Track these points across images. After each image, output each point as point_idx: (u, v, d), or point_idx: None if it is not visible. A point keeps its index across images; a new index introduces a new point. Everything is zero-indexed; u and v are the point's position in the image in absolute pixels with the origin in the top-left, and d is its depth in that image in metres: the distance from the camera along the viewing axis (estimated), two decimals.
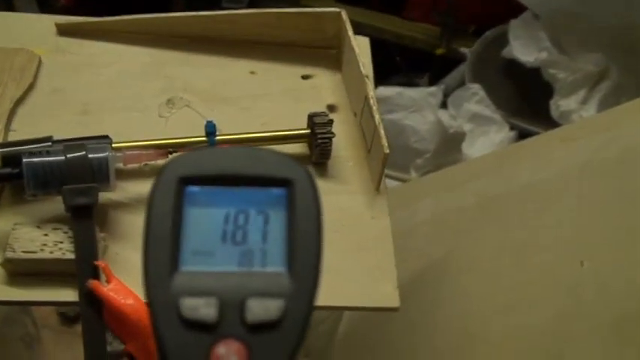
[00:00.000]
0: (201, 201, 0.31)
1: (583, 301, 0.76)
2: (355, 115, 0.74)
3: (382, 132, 0.65)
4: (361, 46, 0.77)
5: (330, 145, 0.67)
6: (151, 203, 0.31)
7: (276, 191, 0.31)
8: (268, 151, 0.32)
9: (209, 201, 0.31)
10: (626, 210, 0.81)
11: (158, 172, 0.31)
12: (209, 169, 0.31)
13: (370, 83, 0.69)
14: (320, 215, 0.31)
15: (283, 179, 0.31)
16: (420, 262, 1.00)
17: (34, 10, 1.79)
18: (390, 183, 1.36)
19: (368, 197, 0.68)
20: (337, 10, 0.77)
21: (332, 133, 0.67)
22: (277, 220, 0.31)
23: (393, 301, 0.61)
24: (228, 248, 0.31)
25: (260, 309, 0.29)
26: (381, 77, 1.73)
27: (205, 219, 0.31)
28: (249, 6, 1.73)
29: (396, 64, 1.74)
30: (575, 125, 1.03)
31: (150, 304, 0.29)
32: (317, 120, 0.67)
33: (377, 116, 0.66)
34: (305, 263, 0.30)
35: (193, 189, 0.31)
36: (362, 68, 0.70)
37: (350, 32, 0.74)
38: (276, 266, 0.30)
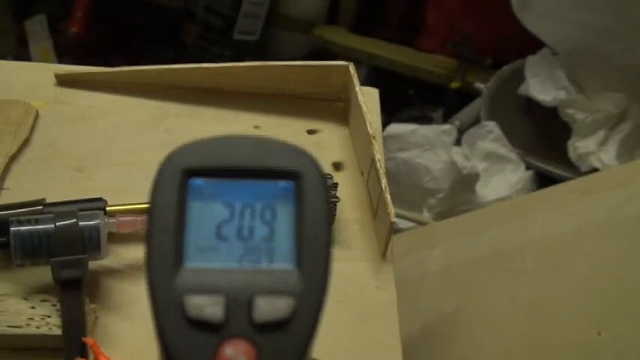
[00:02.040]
0: (205, 194, 0.30)
1: None
2: (362, 173, 0.71)
3: (389, 198, 0.62)
4: (369, 99, 0.74)
5: (335, 210, 0.64)
6: (153, 197, 0.29)
7: (284, 184, 0.30)
8: (275, 141, 0.31)
9: (214, 194, 0.30)
10: None
11: (161, 163, 0.29)
12: (214, 161, 0.30)
13: (377, 145, 0.66)
14: (329, 209, 0.29)
15: (291, 172, 0.30)
16: (431, 315, 0.96)
17: (45, 35, 1.79)
18: (402, 223, 1.33)
19: (373, 265, 0.65)
20: (345, 63, 0.74)
21: (337, 197, 0.64)
22: (285, 214, 0.30)
23: None
24: (235, 244, 0.29)
25: (268, 308, 0.28)
26: (394, 110, 1.70)
27: (210, 213, 0.30)
28: (260, 37, 1.71)
29: (409, 97, 1.71)
30: (593, 177, 0.99)
31: (153, 302, 0.28)
32: None
33: (383, 181, 0.63)
34: (314, 260, 0.29)
35: (198, 181, 0.30)
36: (369, 127, 0.67)
37: (357, 87, 0.71)
38: (284, 263, 0.29)
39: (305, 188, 0.29)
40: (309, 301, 0.28)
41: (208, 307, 0.28)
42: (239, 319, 0.28)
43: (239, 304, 0.28)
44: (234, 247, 0.29)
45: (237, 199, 0.30)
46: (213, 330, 0.27)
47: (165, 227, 0.28)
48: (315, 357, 0.31)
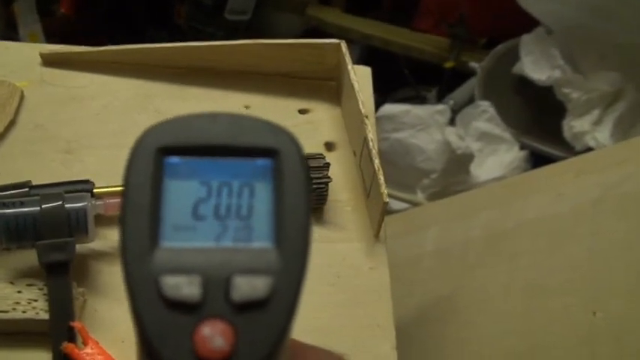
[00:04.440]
0: (181, 172, 0.29)
1: (598, 353, 0.72)
2: (355, 154, 0.69)
3: (382, 178, 0.61)
4: (362, 79, 0.73)
5: (327, 191, 0.63)
6: (127, 175, 0.28)
7: (262, 162, 0.29)
8: (252, 117, 0.30)
9: (190, 172, 0.29)
10: None
11: (135, 142, 0.29)
12: (190, 139, 0.29)
13: (370, 124, 0.65)
14: (308, 187, 0.29)
15: (269, 149, 0.29)
16: (425, 298, 0.96)
17: (34, 18, 1.76)
18: (395, 204, 1.32)
19: (366, 245, 0.64)
20: (337, 41, 0.72)
21: (328, 177, 0.63)
22: (263, 192, 0.29)
23: None
24: (212, 223, 0.29)
25: (246, 287, 0.27)
26: (389, 90, 1.69)
27: (186, 192, 0.29)
28: (253, 17, 1.69)
29: (404, 77, 1.69)
30: (589, 157, 0.98)
31: (128, 282, 0.27)
32: (312, 163, 0.63)
33: (376, 161, 0.62)
34: (293, 238, 0.28)
35: (173, 160, 0.29)
36: (361, 107, 0.66)
37: (350, 66, 0.70)
38: (262, 241, 0.28)
39: (283, 166, 0.29)
40: (288, 280, 0.28)
41: (185, 287, 0.27)
42: (216, 299, 0.27)
43: (216, 283, 0.27)
44: (211, 226, 0.29)
45: (213, 178, 0.29)
46: (190, 310, 0.27)
47: (140, 207, 0.28)
48: (294, 338, 0.30)
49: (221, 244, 0.28)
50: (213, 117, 0.29)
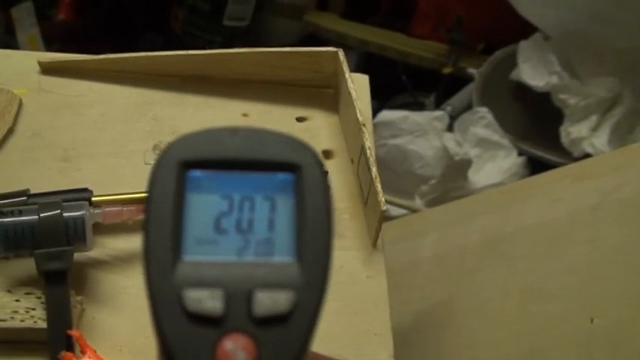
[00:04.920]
0: (203, 186, 0.29)
1: (595, 359, 0.72)
2: (352, 161, 0.70)
3: (379, 186, 0.61)
4: (360, 86, 0.73)
5: None
6: (151, 189, 0.29)
7: (283, 176, 0.30)
8: (274, 132, 0.30)
9: (212, 186, 0.29)
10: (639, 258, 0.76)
11: (158, 155, 0.29)
12: (212, 153, 0.29)
13: (367, 132, 0.65)
14: (330, 202, 0.29)
15: (290, 164, 0.29)
16: (422, 304, 0.96)
17: (32, 22, 1.76)
18: (394, 210, 1.32)
19: (364, 254, 0.64)
20: (334, 49, 0.72)
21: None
22: (284, 206, 0.29)
23: None
24: (233, 237, 0.29)
25: (268, 301, 0.28)
26: (387, 96, 1.69)
27: (209, 206, 0.29)
28: (250, 23, 1.69)
29: (401, 83, 1.69)
30: (586, 163, 0.98)
31: (151, 295, 0.27)
32: None
33: (374, 169, 0.62)
34: (315, 253, 0.29)
35: (195, 174, 0.29)
36: (359, 115, 0.66)
37: (347, 74, 0.70)
38: (284, 256, 0.29)
39: (305, 180, 0.29)
40: (310, 295, 0.28)
41: (207, 300, 0.27)
42: (239, 313, 0.27)
43: (239, 297, 0.28)
44: (233, 240, 0.29)
45: (236, 192, 0.29)
46: (213, 324, 0.27)
47: (162, 220, 0.28)
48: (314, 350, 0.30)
49: (243, 258, 0.29)
50: (235, 131, 0.30)
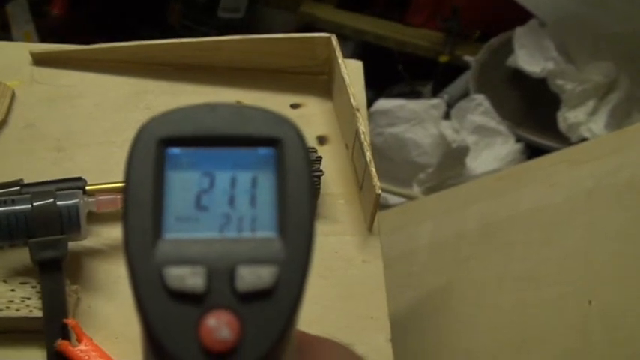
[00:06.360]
0: (183, 163, 0.29)
1: (592, 342, 0.72)
2: (347, 147, 0.69)
3: (374, 171, 0.61)
4: (353, 72, 0.73)
5: (319, 184, 0.63)
6: (129, 167, 0.28)
7: (264, 151, 0.29)
8: (254, 107, 0.30)
9: (192, 163, 0.29)
10: (637, 242, 0.76)
11: (136, 133, 0.28)
12: (190, 129, 0.29)
13: (361, 117, 0.65)
14: (311, 176, 0.29)
15: (271, 138, 0.29)
16: (419, 291, 0.96)
17: (27, 18, 1.76)
18: (391, 199, 1.32)
19: (360, 238, 0.64)
20: (327, 35, 0.72)
21: (321, 171, 0.63)
22: (266, 182, 0.29)
23: (386, 354, 0.57)
24: (215, 213, 0.29)
25: (251, 276, 0.27)
26: (383, 86, 1.68)
27: (188, 183, 0.29)
28: (246, 15, 1.69)
29: (398, 72, 1.69)
30: (582, 147, 0.98)
31: (132, 274, 0.27)
32: None
33: (368, 154, 0.62)
34: (297, 227, 0.28)
35: (174, 151, 0.29)
36: (352, 100, 0.66)
37: (340, 59, 0.70)
38: (266, 231, 0.28)
39: (286, 154, 0.29)
40: (293, 269, 0.27)
41: (189, 277, 0.27)
42: (221, 290, 0.27)
43: (221, 274, 0.27)
44: (214, 216, 0.28)
45: (216, 168, 0.29)
46: (195, 301, 0.27)
47: (142, 198, 0.28)
48: (300, 328, 0.30)
49: (225, 235, 0.28)
50: (213, 107, 0.29)
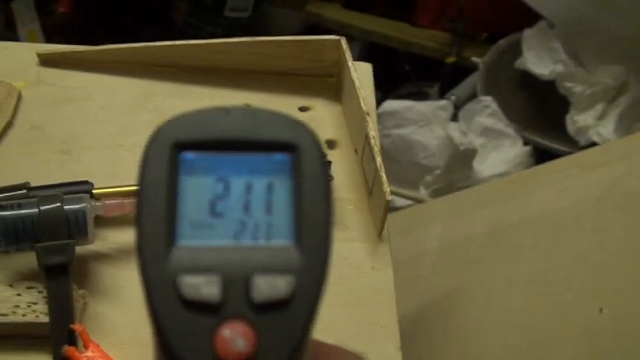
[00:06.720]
0: (198, 168, 0.28)
1: (602, 349, 0.71)
2: (356, 151, 0.69)
3: (384, 176, 0.60)
4: (363, 75, 0.72)
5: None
6: (142, 171, 0.27)
7: (280, 156, 0.28)
8: (270, 111, 0.29)
9: (206, 168, 0.28)
10: None
11: (149, 137, 0.28)
12: (205, 133, 0.28)
13: (371, 121, 0.64)
14: (328, 182, 0.28)
15: (287, 143, 0.28)
16: (427, 295, 0.95)
17: (32, 16, 1.75)
18: (398, 201, 1.31)
19: (369, 245, 0.63)
20: (337, 37, 0.71)
21: (330, 176, 0.62)
22: (282, 188, 0.28)
23: None
24: (230, 220, 0.28)
25: (267, 286, 0.26)
26: (391, 86, 1.68)
27: (203, 188, 0.28)
28: (252, 14, 1.68)
29: (405, 73, 1.68)
30: (592, 152, 0.97)
31: (145, 282, 0.26)
32: None
33: (378, 159, 0.61)
34: (314, 235, 0.27)
35: (189, 155, 0.28)
36: (362, 104, 0.65)
37: (350, 62, 0.69)
38: (282, 239, 0.27)
39: (302, 160, 0.28)
40: (310, 279, 0.27)
41: (204, 287, 0.26)
42: (236, 299, 0.26)
43: (236, 283, 0.26)
44: (229, 223, 0.28)
45: (231, 174, 0.28)
46: (210, 311, 0.26)
47: (155, 204, 0.27)
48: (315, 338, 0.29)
49: (240, 242, 0.27)
50: (229, 111, 0.28)
